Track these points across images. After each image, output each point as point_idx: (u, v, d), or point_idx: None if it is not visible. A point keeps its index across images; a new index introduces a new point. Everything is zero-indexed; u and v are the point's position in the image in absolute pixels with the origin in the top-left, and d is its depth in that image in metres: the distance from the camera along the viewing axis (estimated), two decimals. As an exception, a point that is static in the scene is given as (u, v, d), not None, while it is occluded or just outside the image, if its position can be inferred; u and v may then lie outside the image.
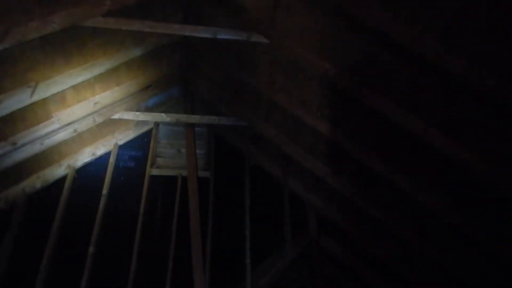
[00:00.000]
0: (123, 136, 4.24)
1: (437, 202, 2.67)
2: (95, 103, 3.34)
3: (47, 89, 2.75)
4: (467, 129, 2.14)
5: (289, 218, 3.90)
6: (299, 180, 4.08)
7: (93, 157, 4.00)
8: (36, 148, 3.24)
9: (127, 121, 4.11)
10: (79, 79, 2.92)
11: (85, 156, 3.93)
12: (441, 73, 1.99)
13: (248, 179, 4.15)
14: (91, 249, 3.37)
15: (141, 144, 4.42)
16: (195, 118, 4.16)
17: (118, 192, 3.95)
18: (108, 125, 3.93)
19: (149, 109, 4.25)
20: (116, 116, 3.76)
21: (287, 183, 4.11)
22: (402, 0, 1.90)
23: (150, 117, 4.09)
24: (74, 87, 2.99)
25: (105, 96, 3.41)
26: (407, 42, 1.98)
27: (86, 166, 3.98)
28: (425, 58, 1.97)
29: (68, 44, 2.68)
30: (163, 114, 4.11)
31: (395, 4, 1.93)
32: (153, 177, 4.03)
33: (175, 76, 4.04)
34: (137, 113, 3.96)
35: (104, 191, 3.72)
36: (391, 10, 1.96)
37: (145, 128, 4.44)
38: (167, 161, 4.23)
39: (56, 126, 3.15)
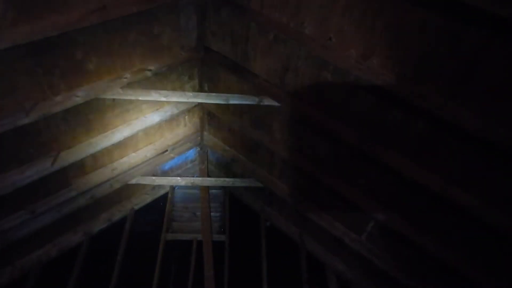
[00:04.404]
0: (140, 201, 4.28)
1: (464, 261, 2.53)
2: (113, 170, 3.43)
3: (67, 158, 2.85)
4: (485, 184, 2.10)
5: (307, 284, 3.71)
6: (317, 241, 3.95)
7: (109, 223, 4.00)
8: (53, 215, 3.28)
9: (143, 186, 4.16)
10: (99, 147, 3.03)
11: (100, 222, 3.94)
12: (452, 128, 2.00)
13: (265, 241, 4.03)
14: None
15: (156, 208, 4.42)
16: (210, 181, 4.19)
17: (133, 257, 3.88)
18: (125, 190, 3.98)
19: (165, 173, 4.32)
20: (133, 181, 3.82)
21: (304, 244, 3.98)
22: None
23: (166, 181, 4.14)
24: (93, 154, 3.09)
25: (122, 162, 3.50)
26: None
27: (102, 232, 3.97)
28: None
29: (89, 115, 2.83)
30: (179, 178, 4.17)
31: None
32: (168, 241, 3.98)
33: (191, 139, 4.15)
34: (153, 177, 4.01)
35: (119, 257, 3.68)
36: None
37: (161, 192, 4.47)
38: (182, 225, 4.20)
39: (74, 193, 3.22)
